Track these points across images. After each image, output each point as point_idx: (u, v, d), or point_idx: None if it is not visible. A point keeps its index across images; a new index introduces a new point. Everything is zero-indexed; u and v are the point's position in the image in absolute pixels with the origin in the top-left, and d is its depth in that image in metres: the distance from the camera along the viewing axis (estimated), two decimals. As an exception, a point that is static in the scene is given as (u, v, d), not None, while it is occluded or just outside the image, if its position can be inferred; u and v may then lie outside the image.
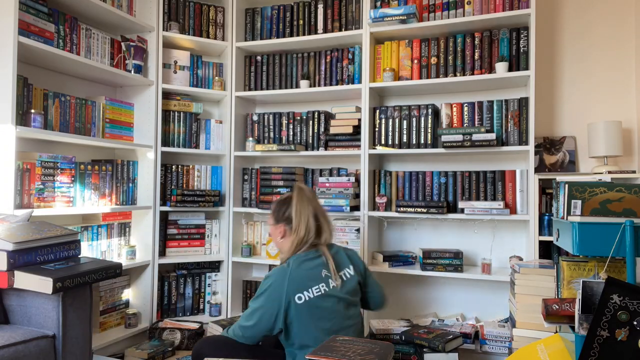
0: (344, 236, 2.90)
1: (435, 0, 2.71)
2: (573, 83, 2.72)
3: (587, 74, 2.70)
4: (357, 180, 2.90)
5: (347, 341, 1.56)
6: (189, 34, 3.01)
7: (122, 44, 2.78)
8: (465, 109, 2.68)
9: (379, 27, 2.75)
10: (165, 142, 2.96)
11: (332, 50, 2.97)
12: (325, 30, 2.94)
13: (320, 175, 2.97)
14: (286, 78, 3.07)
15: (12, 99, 2.02)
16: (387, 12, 2.66)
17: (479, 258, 2.80)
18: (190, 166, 3.06)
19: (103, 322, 2.64)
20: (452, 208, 2.67)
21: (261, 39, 3.10)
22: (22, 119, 2.18)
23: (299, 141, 3.03)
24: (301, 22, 3.00)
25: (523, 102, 2.56)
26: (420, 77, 2.76)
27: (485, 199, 2.61)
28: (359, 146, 2.83)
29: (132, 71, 2.74)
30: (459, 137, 2.56)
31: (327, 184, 2.87)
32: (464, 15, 2.64)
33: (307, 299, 1.79)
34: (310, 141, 3.00)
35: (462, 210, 2.60)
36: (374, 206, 2.83)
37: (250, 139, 3.07)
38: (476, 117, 2.66)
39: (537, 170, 2.66)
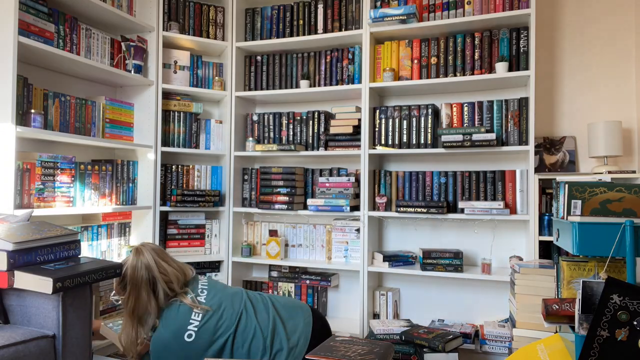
0: (344, 236, 2.90)
1: (435, 0, 2.71)
2: (573, 83, 2.72)
3: (587, 73, 2.70)
4: (357, 180, 2.90)
5: (347, 341, 1.56)
6: (189, 34, 3.01)
7: (122, 44, 2.78)
8: (465, 109, 2.68)
9: (379, 27, 2.75)
10: (165, 142, 2.96)
11: (332, 50, 2.97)
12: (325, 30, 2.94)
13: (320, 175, 2.97)
14: (286, 78, 3.07)
15: (12, 99, 2.02)
16: (387, 12, 2.66)
17: (479, 258, 2.80)
18: (190, 166, 3.06)
19: (103, 322, 2.63)
20: (452, 208, 2.67)
21: (261, 39, 3.10)
22: (22, 119, 2.18)
23: (299, 141, 3.03)
24: (301, 22, 3.00)
25: (523, 102, 2.56)
26: (420, 77, 2.76)
27: (485, 199, 2.61)
28: (359, 146, 2.83)
29: (132, 71, 2.74)
30: (459, 137, 2.56)
31: (327, 184, 2.87)
32: (464, 15, 2.64)
33: (195, 330, 1.84)
34: (310, 141, 3.00)
35: (462, 210, 2.60)
36: (374, 206, 2.83)
37: (250, 139, 3.07)
38: (476, 117, 2.66)
39: (537, 170, 2.66)
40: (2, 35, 2.03)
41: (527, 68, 2.54)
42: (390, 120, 2.80)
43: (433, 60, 2.74)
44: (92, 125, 2.60)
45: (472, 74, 2.66)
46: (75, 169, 2.44)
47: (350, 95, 3.01)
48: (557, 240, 1.80)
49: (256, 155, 3.12)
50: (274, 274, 3.04)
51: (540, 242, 2.43)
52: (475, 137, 2.53)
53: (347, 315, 3.03)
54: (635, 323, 1.26)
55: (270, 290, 3.07)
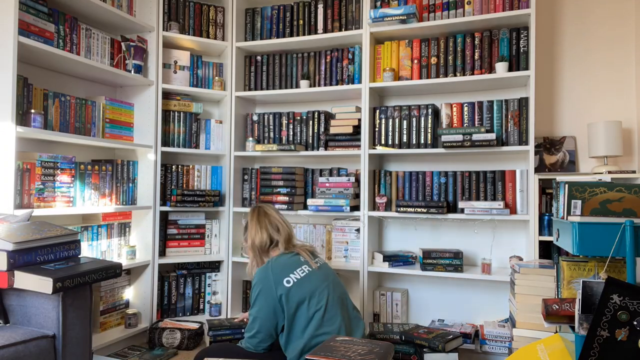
0: (344, 236, 2.90)
1: (435, 0, 2.71)
2: (573, 83, 2.72)
3: (587, 74, 2.70)
4: (357, 180, 2.90)
5: (347, 341, 1.56)
6: (189, 34, 3.01)
7: (122, 44, 2.78)
8: (465, 109, 2.68)
9: (379, 27, 2.75)
10: (165, 142, 2.96)
11: (332, 50, 2.97)
12: (325, 30, 2.94)
13: (320, 175, 2.97)
14: (286, 78, 3.07)
15: (12, 99, 2.02)
16: (387, 12, 2.66)
17: (479, 258, 2.80)
18: (190, 166, 3.06)
19: (103, 322, 2.64)
20: (452, 208, 2.67)
21: (261, 39, 3.10)
22: (22, 119, 2.18)
23: (299, 141, 3.03)
24: (301, 22, 3.00)
25: (523, 102, 2.56)
26: (420, 77, 2.76)
27: (485, 199, 2.61)
28: (359, 146, 2.83)
29: (132, 71, 2.74)
30: (459, 137, 2.56)
31: (327, 184, 2.87)
32: (464, 15, 2.64)
33: (295, 280, 1.91)
34: (310, 141, 3.00)
35: (462, 210, 2.60)
36: (374, 206, 2.83)
37: (250, 139, 3.07)
38: (476, 117, 2.66)
39: (537, 170, 2.66)
40: (2, 35, 2.03)
41: (527, 68, 2.54)
42: (390, 120, 2.80)
43: (433, 60, 2.74)
44: (92, 125, 2.60)
45: (472, 74, 2.66)
46: (75, 169, 2.44)
47: (350, 95, 3.01)
48: (557, 240, 1.80)
49: (256, 155, 3.12)
50: (274, 274, 3.04)
51: (540, 242, 2.43)
52: (475, 137, 2.53)
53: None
54: (635, 323, 1.26)
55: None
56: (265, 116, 3.11)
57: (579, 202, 1.60)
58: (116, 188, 2.71)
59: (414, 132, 2.76)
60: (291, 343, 1.88)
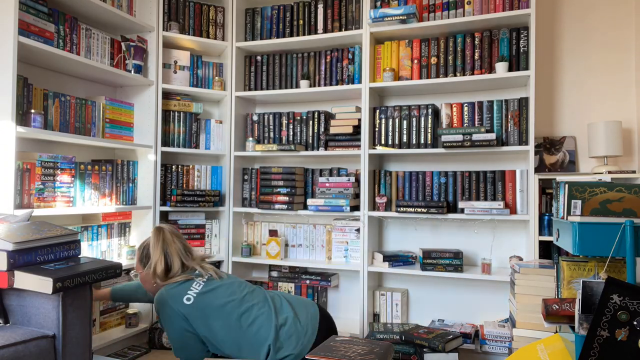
0: (344, 236, 2.90)
1: (435, 0, 2.72)
2: (573, 83, 2.72)
3: (587, 73, 2.70)
4: (357, 180, 2.90)
5: (347, 341, 1.56)
6: (189, 34, 3.01)
7: (122, 44, 2.78)
8: (465, 109, 2.68)
9: (379, 27, 2.75)
10: (165, 142, 2.96)
11: (332, 50, 2.97)
12: (325, 30, 2.94)
13: (320, 175, 2.97)
14: (286, 78, 3.07)
15: (12, 99, 2.02)
16: (387, 12, 2.66)
17: (479, 258, 2.80)
18: (190, 166, 3.06)
19: (103, 322, 2.64)
20: (452, 208, 2.67)
21: (261, 39, 3.10)
22: (22, 119, 2.18)
23: (299, 141, 3.03)
24: (301, 22, 3.00)
25: (523, 102, 2.56)
26: (420, 77, 2.76)
27: (485, 199, 2.61)
28: (359, 146, 2.83)
29: (132, 71, 2.74)
30: (459, 137, 2.56)
31: (327, 184, 2.87)
32: (464, 15, 2.64)
33: (195, 295, 1.92)
34: (310, 141, 3.00)
35: (462, 210, 2.60)
36: (374, 206, 2.83)
37: (250, 139, 3.07)
38: (476, 117, 2.66)
39: (537, 170, 2.66)
40: (2, 35, 2.03)
41: (527, 68, 2.54)
42: (390, 120, 2.80)
43: (433, 60, 2.74)
44: (92, 125, 2.60)
45: (472, 74, 2.66)
46: (75, 169, 2.44)
47: (350, 95, 3.01)
48: (557, 240, 1.80)
49: (256, 155, 3.12)
50: (274, 274, 3.05)
51: (540, 242, 2.43)
52: (475, 137, 2.53)
53: (347, 315, 3.02)
54: (635, 323, 1.26)
55: (270, 290, 3.07)
56: (265, 116, 3.11)
57: (579, 202, 1.60)
58: (116, 188, 2.71)
59: (414, 132, 2.76)
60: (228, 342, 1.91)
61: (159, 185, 2.85)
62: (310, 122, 3.00)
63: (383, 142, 2.81)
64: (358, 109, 2.89)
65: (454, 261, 2.58)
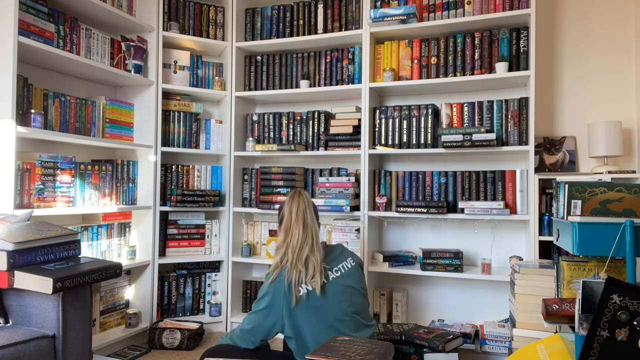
0: (344, 236, 2.90)
1: (435, 0, 2.71)
2: (573, 83, 2.72)
3: (587, 73, 2.70)
4: (357, 180, 2.90)
5: (347, 341, 1.56)
6: (189, 34, 3.01)
7: (122, 44, 2.78)
8: (465, 109, 2.68)
9: (379, 27, 2.75)
10: (165, 142, 2.96)
11: (332, 50, 2.97)
12: (325, 30, 2.94)
13: (320, 175, 2.97)
14: (286, 78, 3.07)
15: (12, 99, 2.02)
16: (387, 12, 2.66)
17: (479, 258, 2.80)
18: (190, 166, 3.06)
19: (103, 322, 2.64)
20: (452, 208, 2.67)
21: (261, 39, 3.10)
22: (22, 119, 2.18)
23: (299, 141, 3.03)
24: (301, 22, 3.00)
25: (523, 102, 2.56)
26: (420, 77, 2.76)
27: (485, 199, 2.61)
28: (359, 146, 2.83)
29: (132, 71, 2.74)
30: (459, 137, 2.56)
31: (327, 184, 2.87)
32: (464, 15, 2.64)
33: (306, 291, 1.78)
34: (310, 141, 3.00)
35: (462, 210, 2.60)
36: (374, 206, 2.83)
37: (250, 139, 3.07)
38: (476, 117, 2.66)
39: (537, 170, 2.66)
40: (2, 35, 2.03)
41: (527, 68, 2.54)
42: (390, 120, 2.80)
43: (433, 60, 2.74)
44: (92, 125, 2.60)
45: (472, 74, 2.66)
46: (75, 169, 2.44)
47: (350, 95, 3.01)
48: (557, 240, 1.80)
49: (256, 155, 3.12)
50: (274, 274, 3.04)
51: (540, 242, 2.42)
52: (475, 137, 2.53)
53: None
54: (635, 323, 1.26)
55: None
56: (265, 116, 3.11)
57: (579, 202, 1.60)
58: (116, 188, 2.71)
59: (414, 132, 2.76)
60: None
61: (159, 185, 2.85)
62: (310, 122, 3.00)
63: (383, 142, 2.81)
64: (358, 109, 2.89)
65: (454, 261, 2.58)
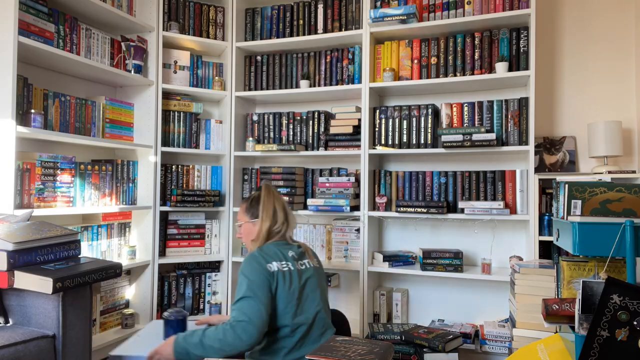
0: (344, 236, 2.90)
1: (435, 0, 2.71)
2: (573, 83, 2.72)
3: (587, 73, 2.70)
4: (357, 180, 2.90)
5: (347, 341, 1.56)
6: (189, 34, 3.01)
7: (122, 44, 2.78)
8: (465, 109, 2.68)
9: (379, 27, 2.75)
10: (165, 142, 2.96)
11: (332, 50, 2.97)
12: (325, 30, 2.94)
13: (320, 175, 2.97)
14: (286, 78, 3.07)
15: (12, 99, 2.02)
16: (387, 12, 2.66)
17: (479, 258, 2.80)
18: (190, 166, 3.06)
19: (103, 322, 2.64)
20: (452, 208, 2.67)
21: (261, 39, 3.10)
22: (22, 119, 2.18)
23: (299, 141, 3.03)
24: (301, 22, 3.00)
25: (523, 102, 2.56)
26: (420, 77, 2.76)
27: (485, 199, 2.61)
28: (359, 146, 2.83)
29: (132, 71, 2.74)
30: (459, 137, 2.56)
31: (327, 184, 2.87)
32: (464, 15, 2.64)
33: (277, 269, 1.73)
34: (310, 141, 3.00)
35: (462, 210, 2.60)
36: (374, 206, 2.83)
37: (250, 139, 3.07)
38: (476, 117, 2.66)
39: (537, 170, 2.66)
40: (2, 35, 2.03)
41: (527, 68, 2.54)
42: (390, 120, 2.80)
43: (433, 60, 2.74)
44: (92, 125, 2.60)
45: (472, 74, 2.66)
46: (75, 169, 2.43)
47: (350, 95, 3.01)
48: (557, 240, 1.80)
49: (256, 155, 3.12)
50: (274, 274, 3.04)
51: (540, 242, 2.42)
52: (475, 137, 2.53)
53: (347, 315, 3.01)
54: (635, 323, 1.26)
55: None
56: (265, 116, 3.11)
57: (579, 202, 1.60)
58: (116, 188, 2.71)
59: (414, 132, 2.76)
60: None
61: (159, 185, 2.85)
62: (310, 122, 3.00)
63: (383, 142, 2.81)
64: (358, 109, 2.89)
65: (454, 261, 2.58)
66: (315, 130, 2.99)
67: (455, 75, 2.68)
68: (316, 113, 2.99)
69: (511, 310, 2.18)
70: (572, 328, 1.50)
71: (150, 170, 2.82)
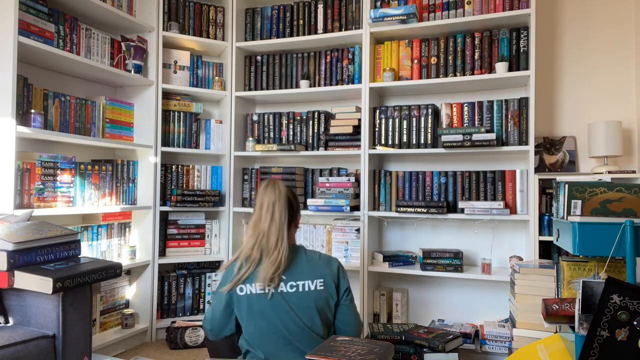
0: (344, 236, 2.90)
1: (435, 0, 2.71)
2: (573, 83, 2.72)
3: (587, 73, 2.70)
4: (357, 180, 2.90)
5: (347, 341, 1.56)
6: (189, 34, 3.01)
7: (122, 44, 2.78)
8: (465, 109, 2.68)
9: (379, 27, 2.75)
10: (165, 142, 2.96)
11: (332, 50, 2.97)
12: (325, 30, 2.94)
13: (320, 175, 2.97)
14: (286, 78, 3.07)
15: (12, 99, 2.02)
16: (387, 12, 2.66)
17: (479, 258, 2.80)
18: (190, 166, 3.06)
19: (103, 322, 2.64)
20: (452, 208, 2.67)
21: (261, 39, 3.10)
22: (22, 119, 2.18)
23: (299, 141, 3.03)
24: (301, 22, 3.00)
25: (523, 102, 2.55)
26: (420, 77, 2.76)
27: (485, 199, 2.61)
28: (359, 146, 2.83)
29: (132, 71, 2.74)
30: (459, 137, 2.56)
31: (327, 184, 2.87)
32: (464, 15, 2.64)
33: (249, 293, 1.60)
34: (310, 141, 3.00)
35: (462, 210, 2.60)
36: (374, 206, 2.83)
37: (250, 139, 3.07)
38: (476, 117, 2.66)
39: (537, 170, 2.66)
40: (2, 35, 2.03)
41: (527, 68, 2.54)
42: (390, 120, 2.80)
43: (433, 60, 2.74)
44: (92, 125, 2.60)
45: (472, 74, 2.66)
46: (75, 169, 2.43)
47: (350, 95, 3.01)
48: (557, 240, 1.80)
49: (256, 155, 3.12)
50: (274, 274, 3.04)
51: (540, 242, 2.42)
52: (475, 137, 2.53)
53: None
54: (635, 323, 1.26)
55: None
56: (265, 116, 3.11)
57: (579, 202, 1.60)
58: (116, 188, 2.71)
59: (414, 132, 2.76)
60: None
61: (159, 185, 2.85)
62: (310, 122, 3.00)
63: (383, 142, 2.81)
64: (358, 109, 2.89)
65: (454, 261, 2.58)
66: (315, 130, 2.99)
67: (455, 75, 2.68)
68: (316, 113, 2.99)
69: (511, 310, 2.18)
70: (572, 328, 1.50)
71: (150, 170, 2.82)
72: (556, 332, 1.79)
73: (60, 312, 1.69)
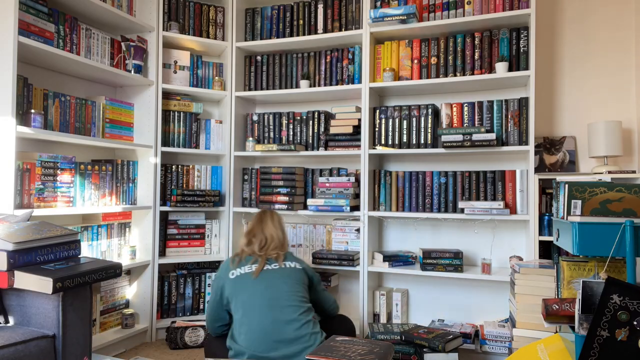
0: (344, 236, 2.90)
1: (435, 0, 2.72)
2: (573, 83, 2.72)
3: (587, 73, 2.70)
4: (357, 180, 2.90)
5: (347, 341, 1.56)
6: (189, 34, 3.01)
7: (122, 44, 2.78)
8: (465, 109, 2.68)
9: (379, 27, 2.75)
10: (165, 142, 2.96)
11: (332, 50, 2.97)
12: (325, 30, 2.94)
13: (320, 175, 2.97)
14: (286, 78, 3.07)
15: (12, 99, 2.02)
16: (387, 12, 2.66)
17: (479, 258, 2.80)
18: (190, 166, 3.06)
19: (103, 322, 2.64)
20: (452, 208, 2.67)
21: (261, 39, 3.10)
22: (22, 119, 2.18)
23: (299, 141, 3.03)
24: (301, 22, 3.00)
25: (523, 102, 2.56)
26: (420, 77, 2.76)
27: (485, 199, 2.61)
28: (359, 146, 2.83)
29: (132, 71, 2.74)
30: (459, 137, 2.56)
31: (327, 184, 2.87)
32: (464, 15, 2.64)
33: (239, 274, 2.05)
34: (310, 141, 3.00)
35: (462, 210, 2.60)
36: (374, 206, 2.83)
37: (250, 139, 3.07)
38: (476, 117, 2.66)
39: (537, 170, 2.66)
40: (2, 35, 2.03)
41: (527, 68, 2.54)
42: (390, 120, 2.80)
43: (433, 60, 2.74)
44: (92, 125, 2.60)
45: (472, 74, 2.66)
46: (75, 169, 2.44)
47: (350, 95, 3.01)
48: (557, 240, 1.80)
49: (256, 155, 3.12)
50: (274, 274, 3.04)
51: (540, 242, 2.43)
52: (475, 137, 2.53)
53: (347, 315, 3.02)
54: (635, 323, 1.26)
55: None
56: (265, 116, 3.11)
57: (579, 202, 1.60)
58: (116, 188, 2.71)
59: (414, 132, 2.76)
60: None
61: (159, 185, 2.85)
62: (310, 122, 3.00)
63: (383, 142, 2.81)
64: (358, 109, 2.89)
65: (454, 261, 2.58)
66: (315, 130, 2.99)
67: (455, 75, 2.68)
68: (316, 113, 2.99)
69: (511, 310, 2.18)
70: (572, 328, 1.51)
71: (150, 170, 2.82)
72: (556, 332, 1.79)
73: (60, 312, 1.69)
